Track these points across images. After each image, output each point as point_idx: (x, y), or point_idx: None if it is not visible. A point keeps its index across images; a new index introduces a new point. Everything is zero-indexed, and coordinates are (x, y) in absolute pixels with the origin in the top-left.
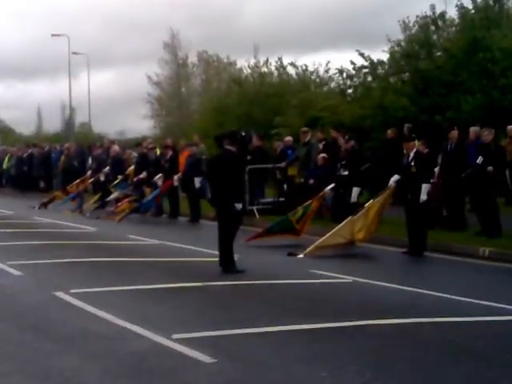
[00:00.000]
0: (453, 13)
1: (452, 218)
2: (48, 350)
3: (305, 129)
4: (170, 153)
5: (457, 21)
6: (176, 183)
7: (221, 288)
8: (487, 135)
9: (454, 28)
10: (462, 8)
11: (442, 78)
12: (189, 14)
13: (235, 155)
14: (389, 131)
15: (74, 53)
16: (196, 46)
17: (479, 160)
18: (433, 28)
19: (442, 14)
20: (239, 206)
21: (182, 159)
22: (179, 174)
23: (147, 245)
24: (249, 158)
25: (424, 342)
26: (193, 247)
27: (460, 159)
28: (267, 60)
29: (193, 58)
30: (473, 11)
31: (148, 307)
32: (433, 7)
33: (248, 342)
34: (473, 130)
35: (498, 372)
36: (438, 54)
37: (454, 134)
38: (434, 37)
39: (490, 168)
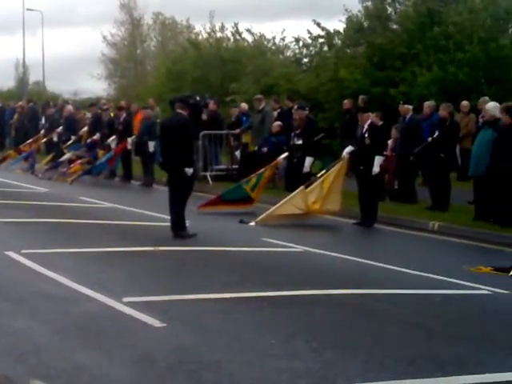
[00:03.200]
0: None
1: (403, 191)
2: None
3: (259, 96)
4: (124, 115)
5: None
6: (130, 146)
7: (172, 253)
8: (443, 110)
9: (409, 1)
10: None
11: (396, 51)
12: None
13: (186, 120)
14: (345, 101)
15: (29, 9)
16: (152, 8)
17: (436, 135)
18: (389, 0)
19: None
20: (190, 171)
21: (137, 122)
22: (133, 137)
23: (99, 207)
24: (205, 118)
25: (372, 312)
26: (145, 211)
27: (413, 133)
28: (222, 25)
29: (148, 20)
30: None
31: (99, 270)
32: None
33: (198, 308)
34: (427, 104)
35: (444, 343)
36: (394, 27)
37: (405, 108)
38: (390, 9)
39: (442, 155)
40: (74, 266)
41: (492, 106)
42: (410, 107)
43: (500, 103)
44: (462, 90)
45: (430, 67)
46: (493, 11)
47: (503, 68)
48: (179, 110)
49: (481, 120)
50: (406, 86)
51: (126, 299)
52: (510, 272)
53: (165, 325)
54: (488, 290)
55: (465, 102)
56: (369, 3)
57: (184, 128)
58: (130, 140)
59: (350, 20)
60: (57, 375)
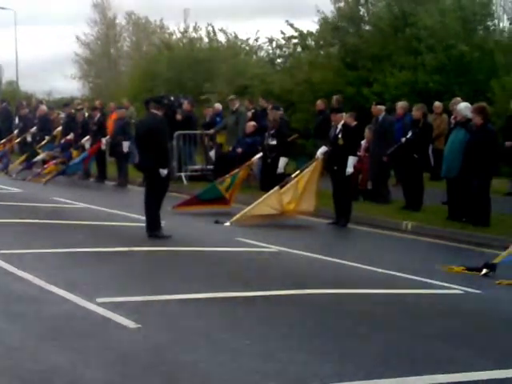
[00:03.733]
0: None
1: (377, 191)
2: None
3: (232, 97)
4: (98, 115)
5: None
6: (104, 147)
7: (146, 253)
8: (417, 111)
9: (382, 2)
10: None
11: (369, 51)
12: None
13: (161, 120)
14: (318, 102)
15: (2, 8)
16: (126, 7)
17: (409, 135)
18: (362, 1)
19: None
20: (164, 171)
21: (111, 122)
22: (107, 137)
23: (73, 208)
24: (179, 118)
25: (346, 312)
26: (119, 211)
27: (386, 134)
28: (196, 24)
29: (122, 19)
30: None
31: (72, 271)
32: None
33: (173, 308)
34: (400, 105)
35: (416, 342)
36: (367, 28)
37: (377, 109)
38: (363, 10)
39: (415, 155)
40: (47, 267)
41: (463, 107)
42: (383, 108)
43: (471, 104)
44: (434, 92)
45: (402, 68)
46: (461, 14)
47: (469, 71)
48: (154, 111)
49: (453, 121)
50: (379, 86)
51: (100, 300)
52: (481, 271)
53: (139, 325)
54: (460, 290)
55: (437, 103)
56: (341, 4)
57: (158, 128)
58: (104, 140)
59: (323, 21)
60: (30, 378)
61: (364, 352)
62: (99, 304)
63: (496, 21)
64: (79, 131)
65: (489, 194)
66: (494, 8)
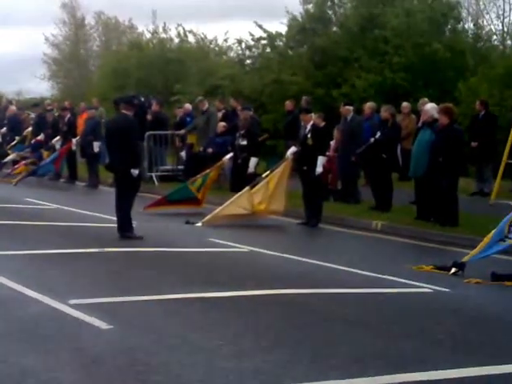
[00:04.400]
0: None
1: (346, 191)
2: None
3: (201, 98)
4: (68, 115)
5: None
6: (74, 147)
7: (118, 254)
8: (385, 111)
9: (349, 4)
10: None
11: (338, 53)
12: None
13: (131, 120)
14: (287, 102)
15: None
16: (94, 7)
17: (378, 136)
18: (329, 3)
19: None
20: (135, 171)
21: (81, 122)
22: (78, 138)
23: (44, 209)
24: (149, 119)
25: (318, 312)
26: (90, 212)
27: (355, 134)
28: (164, 25)
29: (91, 20)
30: None
31: (44, 272)
32: None
33: (145, 309)
34: (368, 105)
35: (386, 341)
36: (335, 29)
37: (346, 109)
38: (330, 12)
39: (384, 155)
40: (19, 268)
41: (430, 107)
42: (351, 108)
43: (438, 104)
44: (401, 93)
45: (370, 70)
46: (429, 14)
47: (438, 71)
48: (124, 111)
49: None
50: (348, 87)
51: (72, 301)
52: (450, 270)
53: (112, 327)
54: (430, 289)
55: (405, 104)
56: (310, 5)
57: (129, 129)
58: (74, 141)
59: (291, 21)
60: (1, 380)
61: (337, 351)
62: (71, 305)
63: (461, 23)
64: (49, 132)
65: (456, 193)
66: (459, 10)
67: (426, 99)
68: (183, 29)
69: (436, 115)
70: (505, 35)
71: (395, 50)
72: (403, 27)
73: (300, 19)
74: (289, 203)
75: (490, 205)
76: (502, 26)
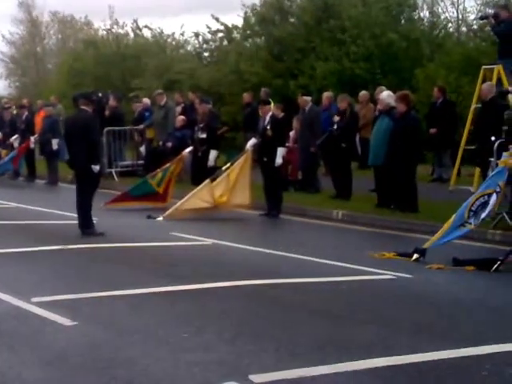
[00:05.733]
0: None
1: (307, 181)
2: None
3: (160, 91)
4: (25, 113)
5: None
6: (33, 145)
7: (80, 251)
8: (342, 101)
9: None
10: None
11: (295, 43)
12: None
13: (91, 116)
14: (245, 95)
15: None
16: (50, 5)
17: (335, 126)
18: None
19: None
20: (96, 167)
21: (39, 120)
22: (36, 136)
23: (4, 208)
24: (107, 114)
25: (281, 301)
26: (51, 210)
27: (313, 124)
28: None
29: (47, 17)
30: None
31: (5, 270)
32: None
33: (108, 305)
34: (326, 95)
35: (351, 329)
36: (292, 20)
37: (304, 100)
38: (288, 3)
39: (343, 145)
40: None
41: (386, 95)
42: (309, 99)
43: (395, 92)
44: (360, 81)
45: (328, 59)
46: (385, 4)
47: (396, 60)
48: (83, 107)
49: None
50: (306, 78)
51: (34, 299)
52: (412, 257)
53: (76, 323)
54: (392, 275)
55: (363, 92)
56: None
57: (89, 124)
58: (32, 139)
59: (249, 12)
60: None
61: (300, 340)
62: (34, 303)
63: (417, 11)
64: (7, 130)
65: (415, 180)
66: None
67: (384, 87)
68: (136, 24)
69: (393, 103)
70: (460, 22)
71: (353, 40)
72: (361, 17)
73: (258, 9)
74: (253, 196)
75: (449, 191)
76: (457, 13)
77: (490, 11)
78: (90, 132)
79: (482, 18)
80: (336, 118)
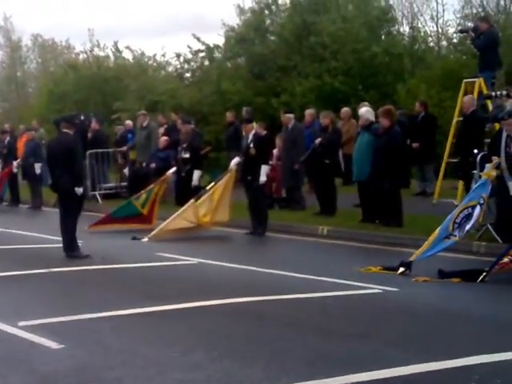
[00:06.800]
0: None
1: (291, 198)
2: None
3: (143, 112)
4: (7, 138)
5: (288, 5)
6: (15, 170)
7: (66, 274)
8: (324, 118)
9: (285, 13)
10: None
11: (276, 62)
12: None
13: (73, 139)
14: (228, 114)
15: None
16: (31, 29)
17: (317, 142)
18: (267, 12)
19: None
20: (79, 190)
21: (21, 145)
22: (18, 160)
23: None
24: (89, 137)
25: (268, 318)
26: (35, 234)
27: (297, 141)
28: (99, 43)
29: (27, 41)
30: None
31: None
32: None
33: (95, 327)
34: (308, 112)
35: (339, 343)
36: (272, 38)
37: (286, 117)
38: (268, 21)
39: (326, 161)
40: None
41: (365, 111)
42: (292, 116)
43: (378, 107)
44: (341, 97)
45: (308, 75)
46: (364, 19)
47: (377, 74)
48: (65, 130)
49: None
50: (287, 95)
51: (21, 323)
52: (398, 270)
53: (63, 346)
54: (379, 289)
55: (345, 109)
56: (248, 15)
57: (71, 147)
58: (15, 163)
59: (229, 32)
60: None
61: (288, 356)
62: (21, 327)
63: (397, 26)
64: None
65: (400, 195)
66: (394, 13)
67: (367, 103)
68: (117, 46)
69: (371, 118)
70: (440, 36)
71: (333, 56)
72: (340, 33)
73: (237, 29)
74: (233, 214)
75: (433, 204)
76: (437, 27)
77: (470, 25)
78: (72, 155)
79: (461, 32)
80: (317, 140)
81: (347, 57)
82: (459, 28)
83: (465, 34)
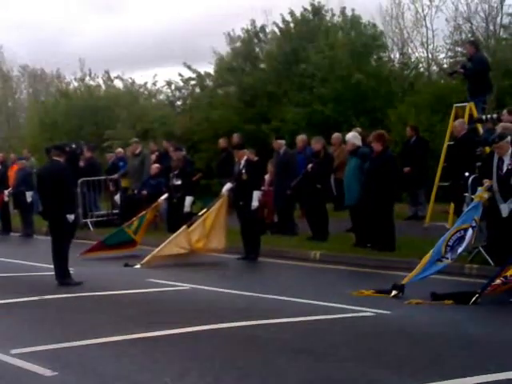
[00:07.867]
0: (275, 25)
1: (283, 224)
2: None
3: (135, 139)
4: None
5: (278, 33)
6: (7, 198)
7: (58, 301)
8: (316, 143)
9: (274, 41)
10: (282, 21)
11: (265, 88)
12: (16, 32)
13: (63, 166)
14: (220, 140)
15: None
16: (20, 59)
17: (309, 167)
18: (256, 41)
19: (263, 28)
20: (71, 217)
21: (12, 173)
22: (10, 189)
23: None
24: (81, 165)
25: (262, 342)
26: (27, 262)
27: (288, 167)
28: (90, 72)
29: (17, 72)
30: (292, 24)
31: None
32: (253, 22)
33: (89, 353)
34: (299, 138)
35: (333, 366)
36: (262, 66)
37: (278, 143)
38: (257, 49)
39: (318, 186)
40: None
41: (351, 136)
42: (283, 142)
43: (370, 132)
44: (332, 123)
45: (298, 104)
46: (351, 47)
47: (367, 100)
48: (56, 158)
49: None
50: (278, 122)
51: (14, 351)
52: (391, 293)
53: (56, 373)
54: (372, 312)
55: (336, 135)
56: (237, 44)
57: (62, 174)
58: (6, 192)
59: (219, 61)
60: None
61: (282, 380)
62: (14, 355)
63: (387, 52)
64: None
65: (392, 219)
66: (384, 40)
67: (359, 129)
68: (108, 75)
69: (358, 143)
70: (430, 62)
71: (322, 83)
72: (325, 62)
73: (227, 58)
74: (227, 239)
75: (424, 228)
76: (427, 52)
77: (458, 66)
78: (62, 182)
79: (451, 74)
80: (309, 166)
81: (335, 84)
82: (448, 71)
83: (455, 75)
